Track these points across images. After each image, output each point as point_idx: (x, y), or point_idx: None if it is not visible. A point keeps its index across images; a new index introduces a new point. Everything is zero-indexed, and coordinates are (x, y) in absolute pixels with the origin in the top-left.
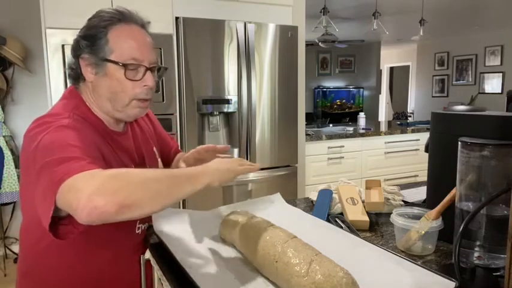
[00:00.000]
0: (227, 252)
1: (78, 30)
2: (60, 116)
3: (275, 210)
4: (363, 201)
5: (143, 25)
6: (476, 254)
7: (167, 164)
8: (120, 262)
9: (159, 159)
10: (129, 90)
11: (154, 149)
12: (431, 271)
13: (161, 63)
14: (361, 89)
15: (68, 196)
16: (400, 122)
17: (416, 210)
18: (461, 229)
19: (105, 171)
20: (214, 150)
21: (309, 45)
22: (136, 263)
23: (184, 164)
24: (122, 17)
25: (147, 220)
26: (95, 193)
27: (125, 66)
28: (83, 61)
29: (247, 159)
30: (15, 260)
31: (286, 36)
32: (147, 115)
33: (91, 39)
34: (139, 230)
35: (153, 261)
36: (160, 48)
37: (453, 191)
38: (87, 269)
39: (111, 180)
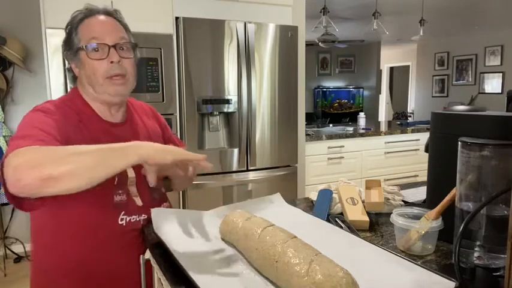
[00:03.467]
0: (227, 252)
1: None
2: (45, 103)
3: (275, 210)
4: (363, 201)
5: (109, 13)
6: (476, 254)
7: None
8: (104, 253)
9: None
10: (98, 69)
11: None
12: (431, 271)
13: (161, 63)
14: (361, 89)
15: (3, 170)
16: (400, 122)
17: (416, 210)
18: (461, 229)
19: (36, 146)
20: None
21: (309, 45)
22: (123, 257)
23: None
24: (88, 13)
25: (134, 213)
26: (18, 167)
27: (85, 48)
28: (68, 60)
29: (247, 159)
30: (15, 260)
31: (286, 36)
32: (156, 116)
33: (68, 39)
34: (124, 222)
35: (153, 261)
36: (160, 48)
37: (453, 191)
38: (74, 255)
39: (37, 155)
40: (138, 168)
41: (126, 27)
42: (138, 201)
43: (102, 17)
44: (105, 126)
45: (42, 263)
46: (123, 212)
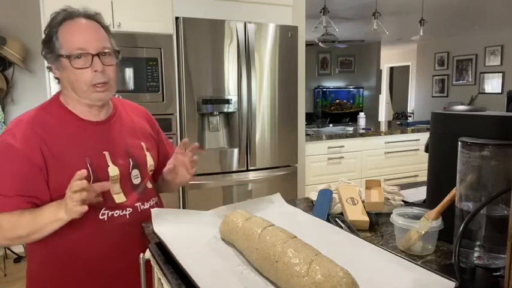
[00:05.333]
0: (227, 252)
1: None
2: (12, 129)
3: (275, 210)
4: (363, 201)
5: (90, 16)
6: (476, 254)
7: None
8: (92, 245)
9: (148, 154)
10: (82, 77)
11: (142, 143)
12: (431, 271)
13: (161, 63)
14: (361, 89)
15: None
16: (400, 122)
17: (416, 210)
18: (461, 229)
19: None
20: (181, 149)
21: (309, 45)
22: (120, 251)
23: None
24: (68, 15)
25: (117, 208)
26: None
27: (68, 57)
28: (48, 61)
29: (247, 159)
30: (15, 260)
31: (286, 36)
32: (148, 118)
33: (48, 41)
34: (105, 216)
35: (153, 261)
36: (160, 48)
37: (453, 191)
38: (62, 247)
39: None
40: (123, 164)
41: (107, 30)
42: (120, 198)
43: (83, 21)
44: (86, 125)
45: (36, 257)
46: (103, 208)
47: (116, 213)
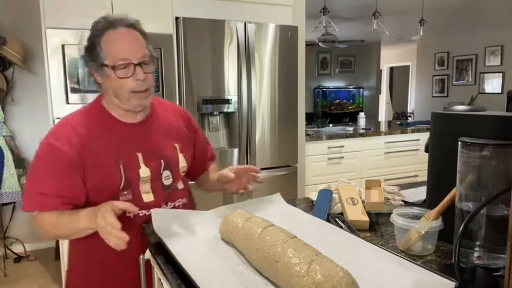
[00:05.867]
0: (227, 252)
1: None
2: (56, 131)
3: (275, 210)
4: (363, 201)
5: (130, 25)
6: (476, 254)
7: (203, 168)
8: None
9: (181, 155)
10: (125, 86)
11: (176, 145)
12: (431, 271)
13: (161, 63)
14: (361, 89)
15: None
16: (400, 122)
17: (416, 210)
18: (461, 229)
19: (38, 221)
20: (248, 170)
21: (309, 45)
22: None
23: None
24: (109, 24)
25: (143, 208)
26: (36, 228)
27: (113, 68)
28: (90, 68)
29: (247, 159)
30: (15, 260)
31: (286, 36)
32: (186, 115)
33: (91, 50)
34: (131, 215)
35: (153, 261)
36: (160, 48)
37: (453, 191)
38: (82, 243)
39: (44, 228)
40: (155, 165)
41: (145, 36)
42: (148, 197)
43: (124, 31)
44: (124, 127)
45: (76, 249)
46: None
47: (142, 213)
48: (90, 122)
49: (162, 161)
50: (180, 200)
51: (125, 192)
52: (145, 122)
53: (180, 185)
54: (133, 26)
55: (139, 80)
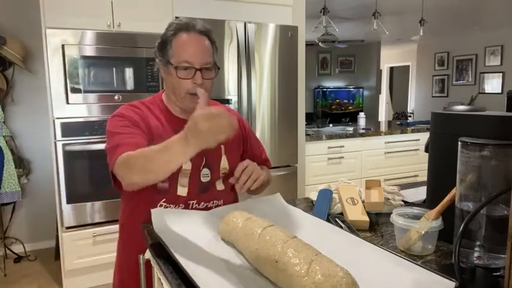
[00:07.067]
0: (227, 252)
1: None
2: (126, 106)
3: (275, 210)
4: (363, 201)
5: (203, 32)
6: (476, 254)
7: None
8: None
9: (224, 156)
10: (183, 86)
11: (222, 145)
12: (431, 271)
13: None
14: (361, 89)
15: (113, 173)
16: (400, 122)
17: (416, 210)
18: (461, 229)
19: (128, 155)
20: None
21: (309, 45)
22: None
23: None
24: (185, 27)
25: (174, 202)
26: (124, 177)
27: (176, 68)
28: (158, 64)
29: None
30: (15, 260)
31: (286, 36)
32: (241, 122)
33: (162, 46)
34: (162, 207)
35: (153, 261)
36: None
37: (453, 191)
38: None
39: (131, 168)
40: (196, 161)
41: (214, 45)
42: (182, 191)
43: (196, 36)
44: (177, 121)
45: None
46: (163, 199)
47: (171, 207)
48: (149, 110)
49: (204, 158)
50: (215, 201)
51: (164, 180)
52: None
53: (220, 186)
54: (206, 33)
55: (196, 84)
